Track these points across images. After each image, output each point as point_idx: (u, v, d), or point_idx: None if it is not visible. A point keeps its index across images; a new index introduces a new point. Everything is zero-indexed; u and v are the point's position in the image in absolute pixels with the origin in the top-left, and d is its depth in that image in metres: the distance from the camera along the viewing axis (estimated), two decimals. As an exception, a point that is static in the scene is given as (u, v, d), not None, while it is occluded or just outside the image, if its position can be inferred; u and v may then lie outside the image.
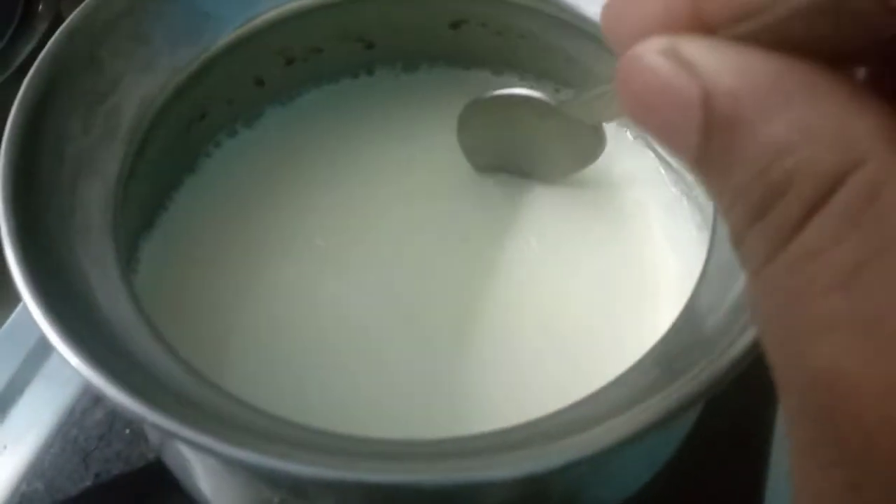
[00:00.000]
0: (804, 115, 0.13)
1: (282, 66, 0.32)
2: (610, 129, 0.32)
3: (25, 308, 0.37)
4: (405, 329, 0.26)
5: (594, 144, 0.28)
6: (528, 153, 0.29)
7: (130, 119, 0.26)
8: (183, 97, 0.28)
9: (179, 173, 0.31)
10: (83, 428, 0.34)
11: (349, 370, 0.26)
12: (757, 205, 0.13)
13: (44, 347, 0.36)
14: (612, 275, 0.27)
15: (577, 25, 0.29)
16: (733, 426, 0.29)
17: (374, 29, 0.32)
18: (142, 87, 0.26)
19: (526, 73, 0.33)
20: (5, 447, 0.34)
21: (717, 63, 0.13)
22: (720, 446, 0.28)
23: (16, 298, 0.39)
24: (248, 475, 0.24)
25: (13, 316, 0.37)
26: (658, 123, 0.14)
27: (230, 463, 0.22)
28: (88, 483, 0.32)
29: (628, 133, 0.32)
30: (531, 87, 0.33)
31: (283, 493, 0.24)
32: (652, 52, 0.14)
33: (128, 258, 0.26)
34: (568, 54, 0.31)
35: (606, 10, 0.16)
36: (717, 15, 0.14)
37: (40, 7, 0.52)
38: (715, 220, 0.24)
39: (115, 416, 0.34)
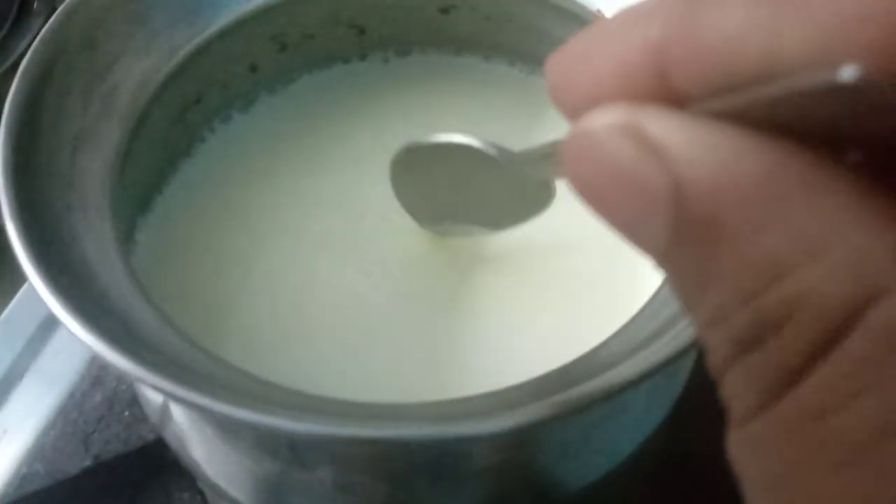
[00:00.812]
0: (806, 224, 0.10)
1: (275, 52, 0.32)
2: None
3: (24, 296, 0.38)
4: (400, 301, 0.27)
5: (542, 196, 0.24)
6: (469, 204, 0.26)
7: (127, 100, 0.26)
8: (178, 80, 0.28)
9: (175, 157, 0.31)
10: (82, 411, 0.34)
11: (347, 342, 0.26)
12: (743, 336, 0.10)
13: (43, 333, 0.37)
14: (601, 248, 0.28)
15: (567, 9, 0.30)
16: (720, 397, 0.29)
17: (366, 15, 0.33)
18: (139, 68, 0.26)
19: (515, 57, 0.34)
20: (6, 431, 0.35)
21: (692, 147, 0.10)
22: (707, 417, 0.28)
23: (13, 287, 0.40)
24: (247, 444, 0.24)
25: (12, 304, 0.38)
26: (615, 217, 0.12)
27: (228, 421, 0.23)
28: (88, 464, 0.32)
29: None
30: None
31: (283, 462, 0.24)
32: (608, 129, 0.11)
33: (125, 239, 0.27)
34: (558, 38, 0.32)
35: (550, 65, 0.13)
36: (689, 84, 0.11)
37: (35, 4, 0.53)
38: None
39: (114, 400, 0.34)
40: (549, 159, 0.20)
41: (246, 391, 0.20)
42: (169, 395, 0.19)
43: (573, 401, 0.18)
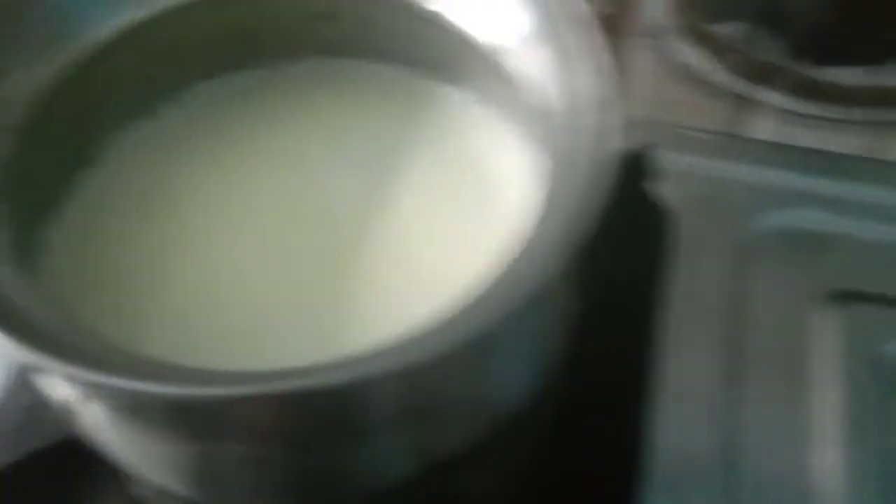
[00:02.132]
0: None
1: (169, 62, 0.34)
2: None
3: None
4: (286, 279, 0.30)
5: None
6: None
7: (21, 110, 0.28)
8: (72, 91, 0.30)
9: (79, 165, 0.32)
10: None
11: (238, 317, 0.29)
12: None
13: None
14: (465, 215, 0.31)
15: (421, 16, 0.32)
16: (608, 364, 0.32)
17: (257, 23, 0.35)
18: (31, 79, 0.28)
19: (395, 60, 0.35)
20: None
21: None
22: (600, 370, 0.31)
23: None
24: (150, 424, 0.26)
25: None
26: None
27: (104, 390, 0.24)
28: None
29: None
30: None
31: (191, 439, 0.26)
32: None
33: (32, 244, 0.28)
34: (427, 43, 0.34)
35: None
36: None
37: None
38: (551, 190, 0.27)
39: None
40: None
41: (115, 362, 0.21)
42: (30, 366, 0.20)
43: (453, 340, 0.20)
